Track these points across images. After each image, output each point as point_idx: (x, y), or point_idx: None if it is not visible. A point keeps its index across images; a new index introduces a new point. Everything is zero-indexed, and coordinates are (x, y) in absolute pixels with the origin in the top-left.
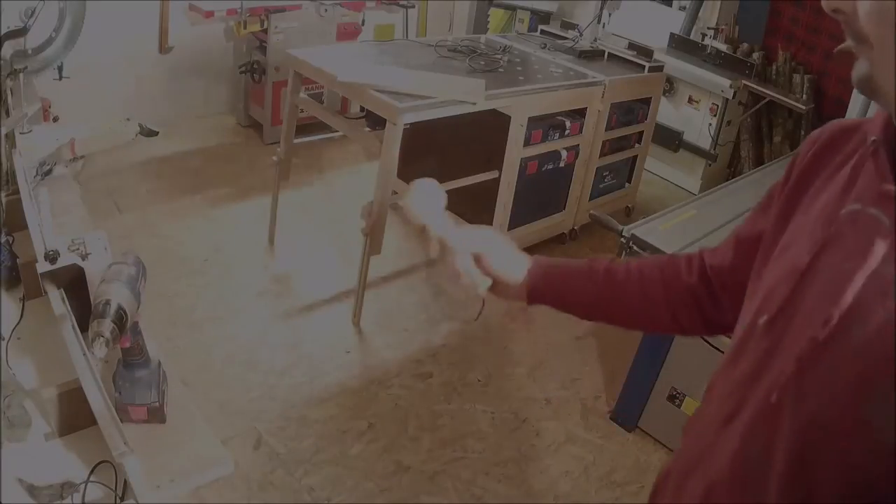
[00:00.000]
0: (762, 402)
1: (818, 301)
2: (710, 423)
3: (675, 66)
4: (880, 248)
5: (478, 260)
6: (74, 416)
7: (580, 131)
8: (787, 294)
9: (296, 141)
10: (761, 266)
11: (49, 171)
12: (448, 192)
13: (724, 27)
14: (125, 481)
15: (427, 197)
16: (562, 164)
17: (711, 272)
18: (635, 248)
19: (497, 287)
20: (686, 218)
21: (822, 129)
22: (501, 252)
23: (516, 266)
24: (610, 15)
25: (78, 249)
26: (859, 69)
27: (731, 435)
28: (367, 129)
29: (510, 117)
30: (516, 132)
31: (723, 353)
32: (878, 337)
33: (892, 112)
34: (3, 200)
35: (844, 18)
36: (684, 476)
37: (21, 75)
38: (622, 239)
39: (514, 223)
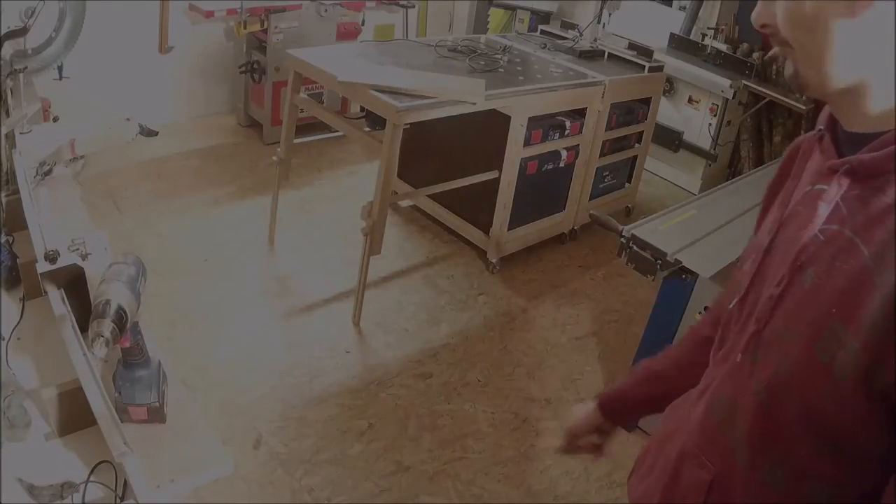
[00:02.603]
0: (729, 366)
1: (776, 269)
2: (687, 400)
3: (675, 66)
4: (823, 210)
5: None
6: (74, 416)
7: (580, 131)
8: (753, 273)
9: (296, 141)
10: None
11: (49, 171)
12: (448, 192)
13: (724, 27)
14: (125, 481)
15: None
16: (562, 164)
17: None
18: (635, 248)
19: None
20: (686, 218)
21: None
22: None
23: (592, 414)
24: (610, 15)
25: (78, 249)
26: (787, 69)
27: (700, 405)
28: (367, 129)
29: (510, 117)
30: (516, 132)
31: None
32: (825, 281)
33: (827, 101)
34: (3, 200)
35: (770, 31)
36: (661, 446)
37: (21, 75)
38: (622, 239)
39: (514, 223)
